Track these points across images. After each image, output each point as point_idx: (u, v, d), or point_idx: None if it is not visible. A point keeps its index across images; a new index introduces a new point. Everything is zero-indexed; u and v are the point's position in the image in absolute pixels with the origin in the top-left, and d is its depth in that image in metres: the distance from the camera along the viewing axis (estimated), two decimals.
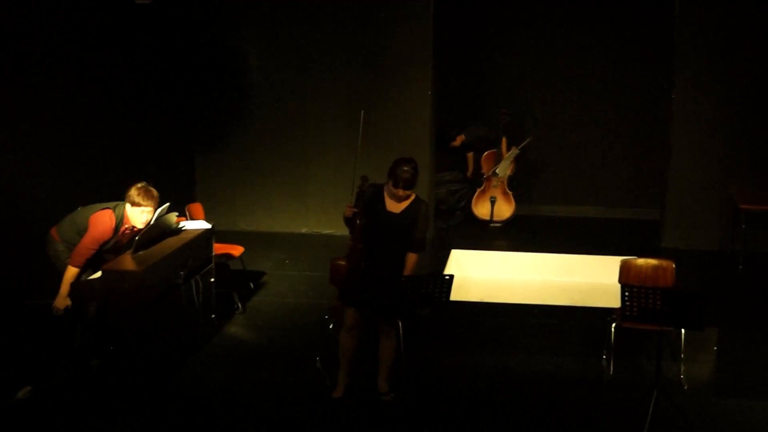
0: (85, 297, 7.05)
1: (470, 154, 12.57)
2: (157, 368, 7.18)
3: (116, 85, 9.55)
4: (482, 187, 12.16)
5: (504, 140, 12.15)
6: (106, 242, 7.24)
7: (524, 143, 12.12)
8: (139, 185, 7.29)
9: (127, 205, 7.26)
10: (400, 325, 7.02)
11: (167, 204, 7.70)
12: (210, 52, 11.55)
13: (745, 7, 10.65)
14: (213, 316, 8.31)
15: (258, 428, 6.56)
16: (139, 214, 7.28)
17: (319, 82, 11.49)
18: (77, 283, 7.09)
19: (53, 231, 7.32)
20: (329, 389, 7.00)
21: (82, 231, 7.18)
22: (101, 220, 7.18)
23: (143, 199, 7.24)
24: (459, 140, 12.38)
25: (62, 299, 7.03)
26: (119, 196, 7.61)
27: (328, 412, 6.76)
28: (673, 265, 7.53)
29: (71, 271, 7.07)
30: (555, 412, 6.85)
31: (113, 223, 7.22)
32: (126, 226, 7.33)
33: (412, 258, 6.72)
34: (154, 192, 7.34)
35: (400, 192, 6.54)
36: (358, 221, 6.56)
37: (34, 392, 6.80)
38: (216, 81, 11.63)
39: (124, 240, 7.40)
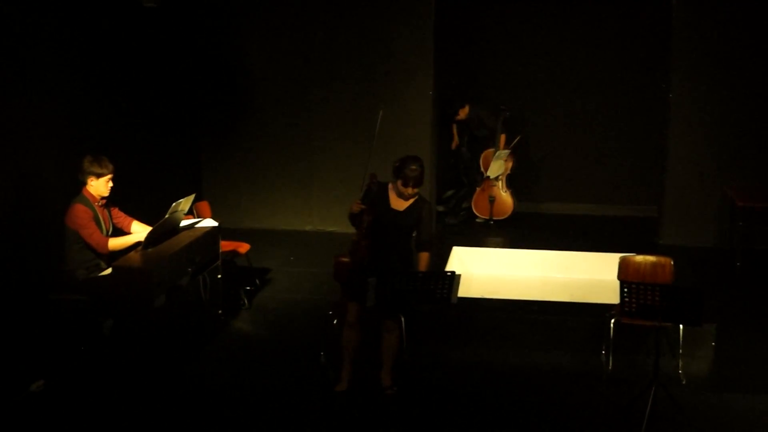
0: (97, 292, 7.14)
1: (453, 126, 12.43)
2: (165, 363, 7.28)
3: (124, 85, 9.63)
4: (482, 187, 12.21)
5: (503, 137, 12.05)
6: (96, 222, 7.33)
7: (514, 142, 12.02)
8: (88, 159, 7.35)
9: (91, 183, 7.32)
10: (402, 320, 7.13)
11: (193, 195, 7.99)
12: (215, 53, 11.60)
13: (743, 6, 10.69)
14: (220, 311, 8.43)
15: (263, 421, 6.64)
16: (105, 183, 7.37)
17: (322, 83, 11.54)
18: (89, 280, 7.20)
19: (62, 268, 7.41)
20: (333, 383, 7.09)
21: (72, 236, 7.26)
22: (76, 213, 7.24)
23: (102, 167, 7.34)
24: (463, 113, 12.15)
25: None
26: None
27: (331, 406, 6.86)
28: (672, 262, 7.60)
29: (114, 243, 7.34)
30: (555, 406, 6.93)
31: (86, 207, 7.28)
32: (98, 202, 7.41)
33: (424, 257, 6.83)
34: (104, 158, 7.44)
35: (410, 190, 6.67)
36: (364, 218, 6.68)
37: (47, 386, 6.90)
38: (221, 81, 11.68)
39: (105, 216, 7.48)
